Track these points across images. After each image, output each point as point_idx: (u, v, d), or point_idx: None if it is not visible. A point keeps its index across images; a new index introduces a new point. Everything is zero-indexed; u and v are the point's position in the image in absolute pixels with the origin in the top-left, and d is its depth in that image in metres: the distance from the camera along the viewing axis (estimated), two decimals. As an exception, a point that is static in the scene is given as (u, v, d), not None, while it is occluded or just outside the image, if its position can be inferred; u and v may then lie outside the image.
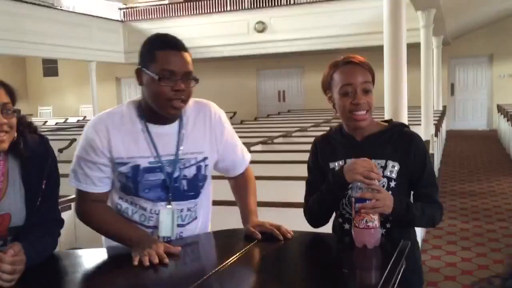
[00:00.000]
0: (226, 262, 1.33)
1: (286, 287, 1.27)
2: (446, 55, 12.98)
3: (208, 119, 1.63)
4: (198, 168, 1.59)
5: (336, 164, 1.59)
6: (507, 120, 8.90)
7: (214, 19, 12.96)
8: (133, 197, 1.56)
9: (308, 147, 5.69)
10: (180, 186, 1.56)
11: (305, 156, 5.21)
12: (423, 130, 6.84)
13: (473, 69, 13.55)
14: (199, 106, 1.64)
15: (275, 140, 6.64)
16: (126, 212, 1.59)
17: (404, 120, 3.94)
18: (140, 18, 14.08)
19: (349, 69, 1.54)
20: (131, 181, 1.53)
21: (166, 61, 1.45)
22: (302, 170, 4.00)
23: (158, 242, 1.39)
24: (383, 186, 1.52)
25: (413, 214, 1.49)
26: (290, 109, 14.23)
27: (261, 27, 12.77)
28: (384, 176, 1.53)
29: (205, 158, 1.60)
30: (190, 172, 1.57)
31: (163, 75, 1.44)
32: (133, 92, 17.15)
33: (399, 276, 1.28)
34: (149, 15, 14.07)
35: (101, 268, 1.45)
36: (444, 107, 12.21)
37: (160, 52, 1.46)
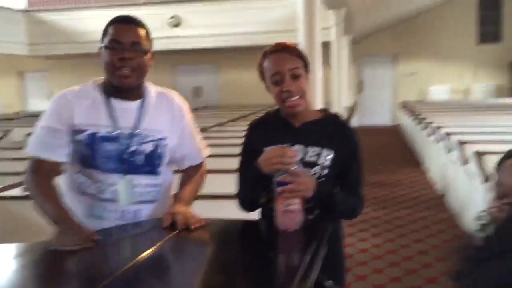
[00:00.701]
0: (146, 252, 1.29)
1: (208, 276, 1.26)
2: (355, 54, 13.64)
3: (171, 104, 1.72)
4: (156, 146, 1.65)
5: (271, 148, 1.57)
6: (410, 116, 9.55)
7: (125, 11, 12.42)
8: (91, 170, 1.61)
9: (226, 141, 5.71)
10: (137, 160, 1.62)
11: (223, 150, 5.21)
12: (335, 125, 7.11)
13: (380, 67, 14.37)
14: (164, 92, 1.77)
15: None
16: (84, 185, 1.62)
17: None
18: (45, 9, 13.22)
19: (276, 57, 1.54)
20: (89, 148, 1.58)
21: (114, 32, 1.57)
22: (220, 164, 4.00)
23: (81, 230, 1.42)
24: (315, 173, 1.55)
25: (334, 202, 1.53)
26: (207, 105, 14.17)
27: (176, 22, 12.56)
28: (318, 164, 1.56)
29: (164, 138, 1.67)
30: (148, 147, 1.64)
31: (111, 46, 1.56)
32: (39, 87, 16.14)
33: (321, 257, 1.32)
34: (55, 4, 13.25)
35: (8, 265, 1.34)
36: (354, 103, 12.82)
37: (111, 26, 1.59)
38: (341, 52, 8.38)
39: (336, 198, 1.54)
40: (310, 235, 1.42)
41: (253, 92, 14.84)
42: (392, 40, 13.83)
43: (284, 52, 1.55)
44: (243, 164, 1.66)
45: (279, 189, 1.44)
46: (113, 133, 1.59)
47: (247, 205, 1.66)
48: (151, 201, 1.68)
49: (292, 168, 1.44)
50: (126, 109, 1.63)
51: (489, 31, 13.39)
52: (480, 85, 13.56)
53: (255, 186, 1.58)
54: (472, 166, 4.09)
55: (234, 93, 14.35)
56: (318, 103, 4.03)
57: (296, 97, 1.53)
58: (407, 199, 5.70)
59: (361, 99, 14.43)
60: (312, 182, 1.47)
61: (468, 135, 5.17)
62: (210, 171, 3.58)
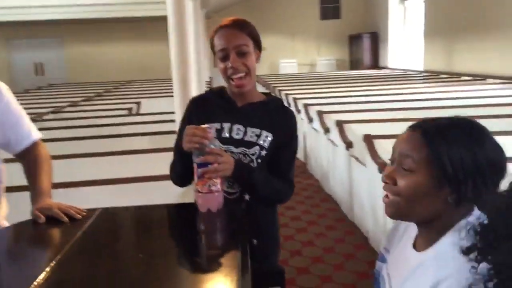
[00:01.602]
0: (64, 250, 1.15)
1: (136, 265, 1.16)
2: (207, 29, 13.68)
3: None
4: None
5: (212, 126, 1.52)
6: (267, 89, 9.95)
7: None
8: None
9: (84, 122, 5.29)
10: None
11: (82, 132, 4.84)
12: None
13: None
14: None
15: (44, 117, 5.98)
16: None
17: (192, 90, 4.01)
18: None
19: (223, 33, 1.52)
20: None
21: None
22: (78, 148, 3.70)
23: None
24: (255, 153, 1.54)
25: (254, 179, 1.51)
26: (51, 83, 13.01)
27: (8, -10, 11.17)
28: (257, 144, 1.55)
29: None
30: None
31: None
32: None
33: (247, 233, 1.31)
34: None
35: None
36: (211, 78, 12.92)
37: None
38: (198, 27, 8.32)
39: (256, 177, 1.51)
40: (233, 213, 1.40)
41: (104, 68, 14.07)
42: (243, 15, 14.08)
43: (233, 28, 1.52)
44: (177, 139, 1.60)
45: (200, 170, 1.40)
46: None
47: (177, 180, 1.64)
48: None
49: (210, 147, 1.39)
50: None
51: (330, 8, 14.51)
52: (323, 59, 14.70)
53: (179, 163, 1.57)
54: (334, 134, 4.42)
55: (82, 69, 13.40)
56: (191, 78, 3.95)
57: (241, 74, 1.51)
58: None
59: (214, 73, 14.59)
60: (230, 160, 1.45)
61: (325, 105, 5.57)
62: (68, 156, 3.33)
